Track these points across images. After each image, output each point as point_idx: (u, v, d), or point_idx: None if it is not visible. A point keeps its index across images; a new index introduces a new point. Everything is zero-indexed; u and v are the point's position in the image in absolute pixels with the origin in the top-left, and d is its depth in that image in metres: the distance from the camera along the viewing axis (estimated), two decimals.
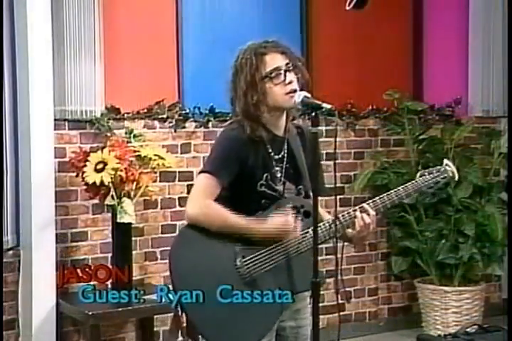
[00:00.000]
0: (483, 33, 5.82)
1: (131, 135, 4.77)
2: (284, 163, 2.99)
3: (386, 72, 5.74)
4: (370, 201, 2.98)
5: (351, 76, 5.62)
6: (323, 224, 2.92)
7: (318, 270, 2.79)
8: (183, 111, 5.04)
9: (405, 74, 5.90)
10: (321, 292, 2.87)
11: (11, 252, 4.51)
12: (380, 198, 3.00)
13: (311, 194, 2.93)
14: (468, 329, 4.58)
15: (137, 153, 4.54)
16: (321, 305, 2.84)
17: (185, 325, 3.01)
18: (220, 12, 5.28)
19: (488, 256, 5.45)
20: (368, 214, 2.95)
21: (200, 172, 2.95)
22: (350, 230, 2.99)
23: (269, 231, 2.86)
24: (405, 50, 5.92)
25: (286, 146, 3.00)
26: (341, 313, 5.27)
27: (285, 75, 2.90)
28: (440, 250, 5.43)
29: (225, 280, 2.85)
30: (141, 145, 4.69)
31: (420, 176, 3.07)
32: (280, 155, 2.99)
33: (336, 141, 3.92)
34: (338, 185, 5.32)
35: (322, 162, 3.09)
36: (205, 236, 2.88)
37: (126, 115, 4.85)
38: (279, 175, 2.97)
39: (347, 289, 5.50)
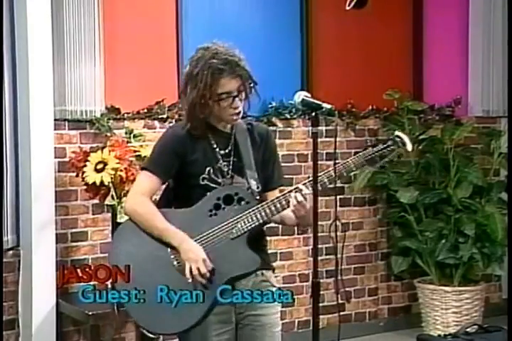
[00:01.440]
0: (483, 33, 5.83)
1: (131, 135, 4.77)
2: (232, 157, 3.06)
3: (386, 72, 5.74)
4: (307, 180, 2.96)
5: (351, 76, 5.62)
6: (257, 208, 2.96)
7: (318, 270, 2.79)
8: (183, 111, 5.03)
9: (405, 74, 5.90)
10: (321, 292, 2.87)
11: (11, 252, 4.51)
12: (318, 177, 2.95)
13: (257, 186, 3.04)
14: (468, 329, 4.59)
15: (137, 153, 4.54)
16: (321, 305, 2.84)
17: None
18: (221, 12, 5.28)
19: (488, 256, 5.45)
20: (303, 194, 2.93)
21: (141, 168, 3.11)
22: (291, 214, 2.98)
23: (179, 251, 2.95)
24: (405, 50, 5.92)
25: (232, 141, 3.08)
26: (341, 313, 5.29)
27: (233, 100, 2.97)
28: (440, 250, 5.43)
29: (160, 268, 2.96)
30: (141, 145, 4.68)
31: (364, 150, 3.06)
32: (227, 150, 3.07)
33: (335, 141, 3.90)
34: (338, 185, 5.35)
35: (321, 162, 3.09)
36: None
37: (126, 115, 4.85)
38: (225, 169, 3.05)
39: (347, 289, 5.50)
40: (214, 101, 2.97)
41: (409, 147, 3.05)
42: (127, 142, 4.65)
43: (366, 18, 5.61)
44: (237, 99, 2.98)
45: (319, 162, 2.98)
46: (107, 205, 4.54)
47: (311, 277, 2.86)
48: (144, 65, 4.93)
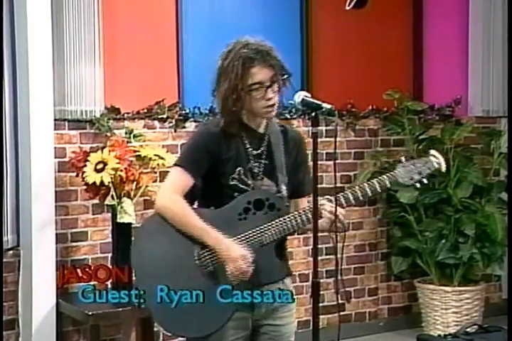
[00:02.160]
0: (483, 33, 5.83)
1: (131, 135, 4.77)
2: (263, 159, 3.00)
3: (386, 72, 5.74)
4: (341, 194, 2.94)
5: (351, 76, 5.62)
6: (288, 217, 2.93)
7: (318, 270, 2.79)
8: (183, 111, 5.04)
9: (405, 74, 5.90)
10: (321, 292, 2.86)
11: (11, 252, 4.51)
12: (352, 191, 2.94)
13: (286, 191, 2.98)
14: (468, 329, 4.57)
15: (137, 153, 4.54)
16: (321, 305, 2.84)
17: None
18: (220, 12, 5.28)
19: (488, 256, 5.45)
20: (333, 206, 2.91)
21: (173, 165, 3.03)
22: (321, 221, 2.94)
23: (217, 250, 2.89)
24: (405, 50, 5.92)
25: (266, 143, 3.02)
26: (341, 313, 5.29)
27: (266, 91, 2.91)
28: (440, 250, 5.44)
29: (183, 270, 2.90)
30: (141, 145, 4.68)
31: (401, 167, 2.98)
32: (259, 151, 3.00)
33: (335, 141, 3.90)
34: (338, 185, 5.35)
35: (321, 162, 3.08)
36: (169, 225, 2.94)
37: (126, 115, 4.85)
38: (256, 170, 2.99)
39: (347, 289, 5.50)
40: (246, 93, 2.89)
41: (443, 167, 2.99)
42: (127, 142, 4.65)
43: (366, 18, 5.61)
44: (269, 89, 2.90)
45: (319, 162, 2.98)
46: (107, 205, 4.54)
47: (311, 277, 2.86)
48: (144, 65, 4.93)
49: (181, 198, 2.92)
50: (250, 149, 2.99)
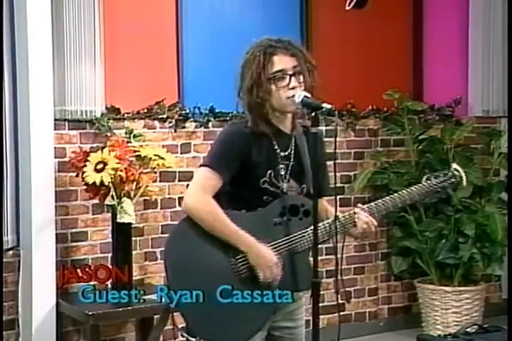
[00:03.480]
0: (484, 32, 5.83)
1: (131, 135, 4.77)
2: (291, 160, 2.96)
3: (386, 72, 5.74)
4: (373, 204, 2.95)
5: (351, 76, 5.62)
6: (323, 224, 2.90)
7: (318, 270, 2.79)
8: (183, 111, 5.04)
9: (405, 74, 5.90)
10: (321, 292, 2.86)
11: (11, 252, 4.51)
12: (383, 201, 2.95)
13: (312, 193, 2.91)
14: (468, 329, 4.57)
15: (137, 153, 4.54)
16: (321, 305, 2.84)
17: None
18: (221, 12, 5.28)
19: (488, 256, 5.45)
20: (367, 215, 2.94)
21: (200, 165, 2.94)
22: (353, 229, 2.96)
23: (248, 256, 2.84)
24: (405, 50, 5.92)
25: (293, 144, 2.97)
26: (341, 313, 5.28)
27: (290, 79, 2.87)
28: (440, 250, 5.43)
29: (219, 276, 2.84)
30: (141, 145, 4.69)
31: (426, 180, 3.04)
32: (287, 153, 2.96)
33: (335, 141, 3.89)
34: (338, 185, 5.34)
35: None
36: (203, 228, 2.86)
37: (126, 115, 4.85)
38: (283, 172, 2.93)
39: (347, 289, 5.50)
40: (269, 82, 2.83)
41: (464, 182, 3.11)
42: (127, 142, 4.66)
43: (366, 18, 5.61)
44: (293, 78, 2.86)
45: None
46: (107, 205, 4.54)
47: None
48: (144, 65, 4.93)
49: (212, 200, 2.84)
50: (278, 150, 2.94)
